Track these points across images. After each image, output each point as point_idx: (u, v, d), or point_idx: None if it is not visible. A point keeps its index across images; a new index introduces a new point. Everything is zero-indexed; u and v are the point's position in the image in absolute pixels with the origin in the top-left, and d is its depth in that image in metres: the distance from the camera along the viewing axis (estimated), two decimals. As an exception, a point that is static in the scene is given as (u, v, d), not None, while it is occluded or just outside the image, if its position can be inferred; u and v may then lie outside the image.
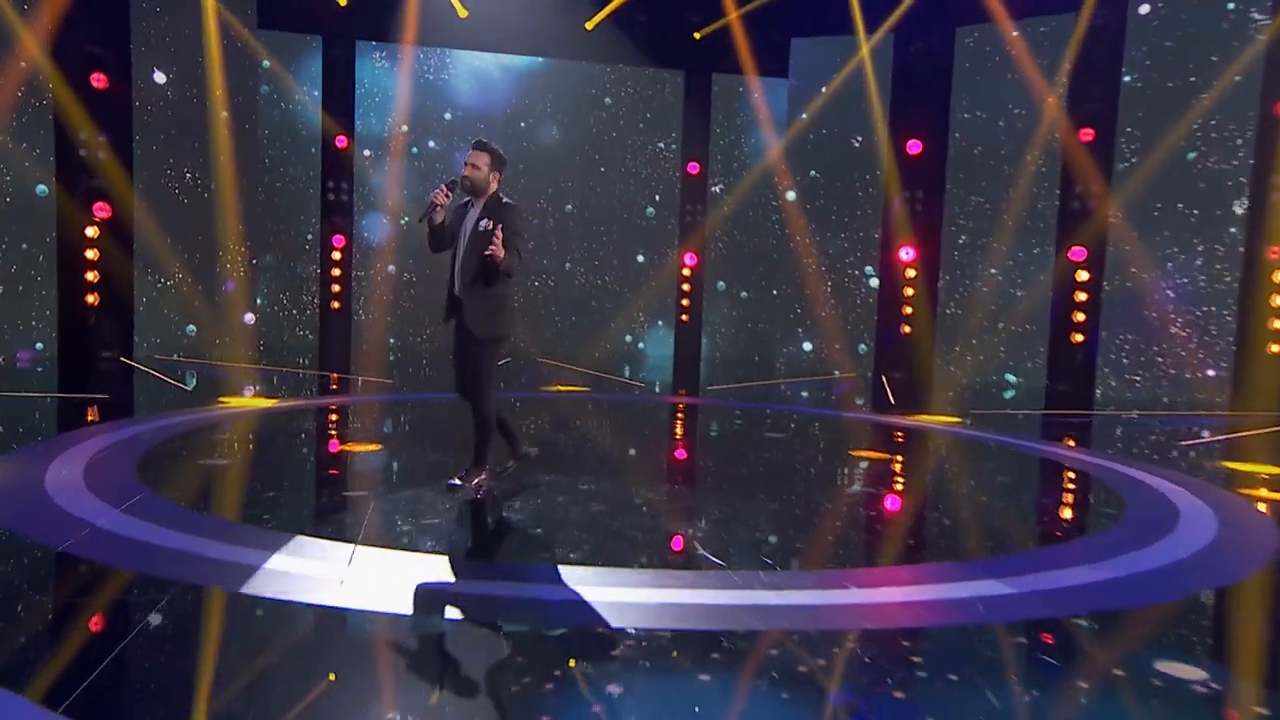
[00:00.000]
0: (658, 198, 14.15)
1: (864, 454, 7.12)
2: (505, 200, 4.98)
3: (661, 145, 14.13)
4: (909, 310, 12.17)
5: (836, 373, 12.69)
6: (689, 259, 13.57)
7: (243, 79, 12.23)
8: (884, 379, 11.76)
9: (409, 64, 13.47)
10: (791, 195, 13.51)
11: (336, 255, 12.39)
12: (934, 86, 11.87)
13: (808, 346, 13.48)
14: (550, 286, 14.06)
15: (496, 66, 13.61)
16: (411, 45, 12.79)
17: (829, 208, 13.34)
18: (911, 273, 12.12)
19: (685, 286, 13.63)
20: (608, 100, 13.92)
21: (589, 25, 12.93)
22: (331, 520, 4.64)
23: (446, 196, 4.86)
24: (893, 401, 10.18)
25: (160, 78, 11.39)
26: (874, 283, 12.79)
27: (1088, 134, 10.69)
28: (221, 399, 8.40)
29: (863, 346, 12.96)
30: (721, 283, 14.17)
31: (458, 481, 5.03)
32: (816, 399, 10.60)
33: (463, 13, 12.58)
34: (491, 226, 4.81)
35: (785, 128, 13.47)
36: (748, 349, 14.38)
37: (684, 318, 13.68)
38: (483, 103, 13.61)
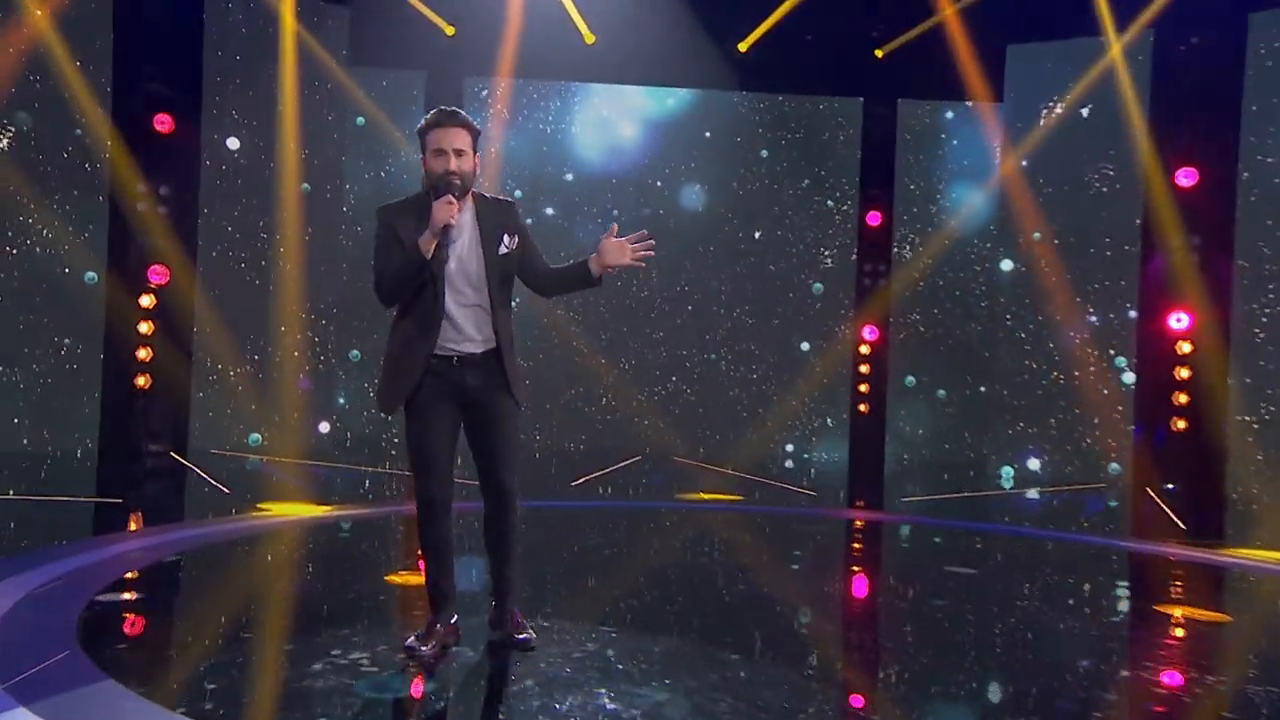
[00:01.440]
0: (828, 258, 11.09)
1: (1180, 611, 4.54)
2: (499, 197, 3.57)
3: (831, 203, 11.01)
4: (1183, 398, 8.80)
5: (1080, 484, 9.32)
6: (868, 333, 10.63)
7: (326, 134, 10.22)
8: (1153, 493, 8.38)
9: (513, 106, 11.06)
10: (1007, 264, 10.28)
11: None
12: (1215, 95, 8.71)
13: (1035, 464, 9.90)
14: (694, 378, 11.09)
15: (627, 115, 11.03)
16: (527, 79, 10.64)
17: (1052, 275, 9.92)
18: (1186, 346, 8.79)
19: (863, 368, 10.66)
20: (764, 153, 10.97)
21: (742, 47, 10.47)
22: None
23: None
24: (1181, 526, 6.99)
25: (234, 143, 9.51)
26: (1128, 377, 9.39)
27: None
28: (262, 505, 6.52)
29: (1115, 466, 9.44)
30: (911, 378, 10.96)
31: (509, 632, 3.46)
32: (1057, 517, 7.75)
33: (589, 38, 10.37)
34: (513, 244, 3.44)
35: (997, 167, 10.36)
36: (949, 453, 11.04)
37: (861, 408, 10.67)
38: (611, 159, 10.92)
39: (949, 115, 10.80)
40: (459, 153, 3.29)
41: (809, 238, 10.90)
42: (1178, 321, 8.82)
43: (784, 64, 10.55)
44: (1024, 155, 9.79)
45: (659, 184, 10.95)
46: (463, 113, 3.38)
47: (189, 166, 9.30)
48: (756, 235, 10.92)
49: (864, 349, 10.64)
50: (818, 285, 10.81)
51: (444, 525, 3.34)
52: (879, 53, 10.47)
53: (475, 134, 3.39)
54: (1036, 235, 9.73)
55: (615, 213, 10.32)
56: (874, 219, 10.68)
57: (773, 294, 10.87)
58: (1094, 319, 9.53)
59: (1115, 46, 9.14)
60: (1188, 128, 8.77)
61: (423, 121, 3.34)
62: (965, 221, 10.66)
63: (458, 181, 3.26)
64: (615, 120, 10.91)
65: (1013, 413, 9.96)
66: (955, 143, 10.83)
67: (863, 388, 10.64)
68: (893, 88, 10.60)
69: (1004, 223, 10.14)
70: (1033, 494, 8.80)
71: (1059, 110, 9.56)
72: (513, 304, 3.52)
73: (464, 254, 3.31)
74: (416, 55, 10.38)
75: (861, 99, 10.73)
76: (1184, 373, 8.81)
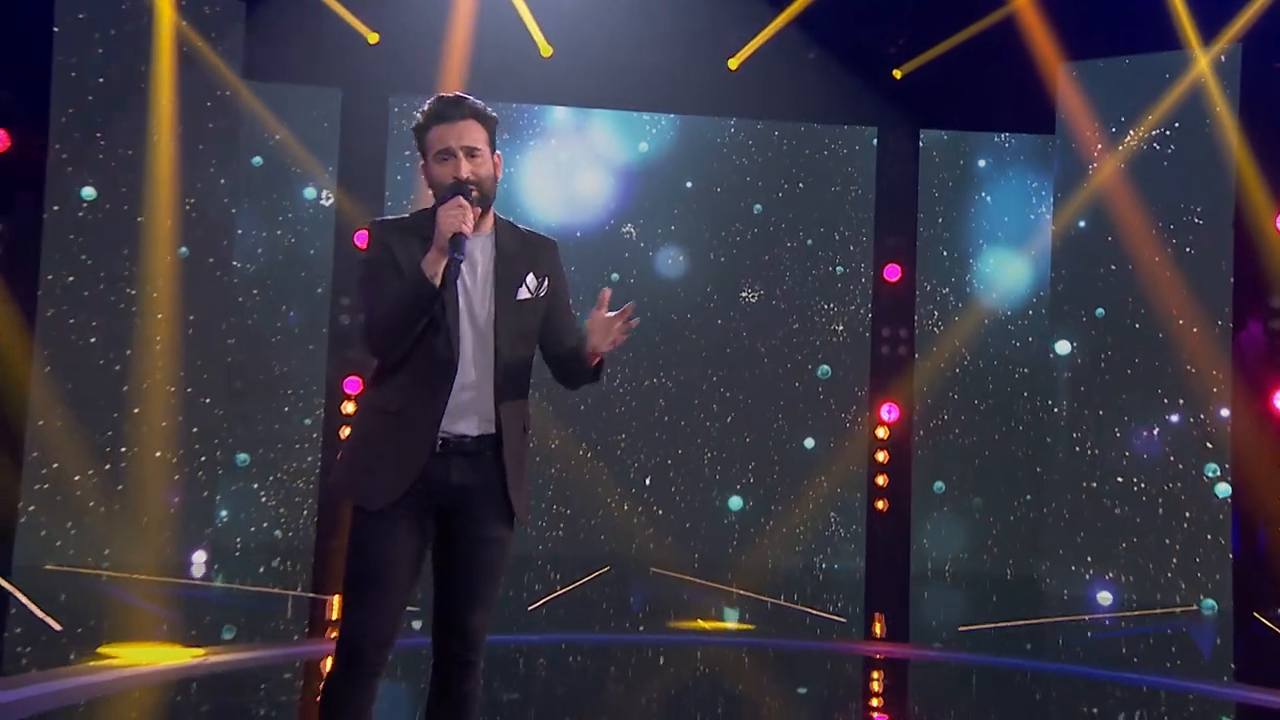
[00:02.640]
0: (837, 332, 9.10)
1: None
2: (534, 232, 2.74)
3: (841, 269, 8.90)
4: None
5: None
6: (887, 412, 8.68)
7: (212, 178, 7.91)
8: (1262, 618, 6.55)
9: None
10: (1064, 347, 8.02)
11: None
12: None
13: (1106, 597, 7.53)
14: (675, 478, 8.84)
15: (591, 160, 8.83)
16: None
17: (1122, 362, 7.67)
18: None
19: (881, 455, 8.70)
20: (757, 207, 8.82)
21: (732, 63, 8.59)
22: None
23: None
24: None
25: (90, 192, 7.34)
26: (1221, 489, 7.40)
27: None
28: (104, 649, 4.98)
29: (1212, 604, 7.43)
30: (940, 483, 8.92)
31: None
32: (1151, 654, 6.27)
33: (546, 50, 8.43)
34: (539, 289, 2.63)
35: (1049, 222, 8.36)
36: (989, 571, 8.80)
37: (879, 504, 8.70)
38: (571, 215, 8.62)
39: (981, 163, 8.89)
40: (472, 153, 2.56)
41: (813, 309, 8.84)
42: (1287, 407, 6.99)
43: (782, 85, 8.68)
44: (1082, 207, 7.82)
45: (630, 245, 8.79)
46: (472, 99, 2.63)
47: (31, 203, 7.26)
48: (748, 303, 8.84)
49: (882, 432, 8.67)
50: (825, 369, 8.76)
51: (365, 695, 2.48)
52: (898, 73, 8.64)
53: (491, 126, 2.64)
54: (1100, 311, 7.73)
55: (577, 278, 8.25)
56: (892, 273, 8.77)
57: (769, 379, 8.76)
58: (1175, 418, 7.53)
59: (1203, 60, 7.33)
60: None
61: (419, 116, 2.61)
62: (1007, 292, 8.70)
63: (474, 192, 2.52)
64: (576, 166, 8.73)
65: (1070, 529, 7.84)
66: (988, 198, 8.86)
67: (880, 480, 8.67)
68: (915, 115, 8.74)
69: (1058, 293, 8.04)
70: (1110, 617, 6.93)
71: (1129, 142, 7.62)
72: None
73: (471, 295, 2.56)
74: (329, 69, 8.35)
75: (876, 129, 8.84)
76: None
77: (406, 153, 8.37)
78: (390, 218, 2.67)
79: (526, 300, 2.58)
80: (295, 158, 8.28)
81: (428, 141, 2.57)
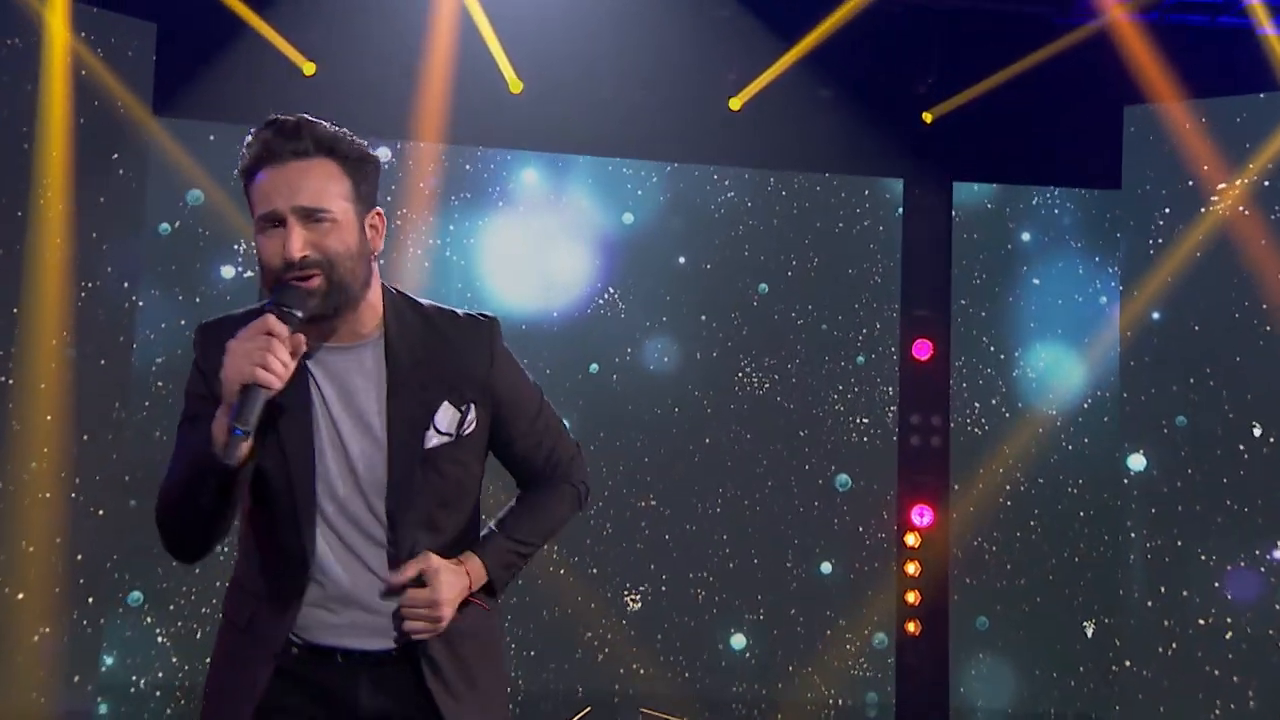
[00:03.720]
0: (858, 428, 7.65)
1: None
2: (456, 313, 1.93)
3: (862, 359, 7.41)
4: None
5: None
6: (919, 515, 7.28)
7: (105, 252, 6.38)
8: None
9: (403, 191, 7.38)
10: (1138, 462, 6.60)
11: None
12: None
13: None
14: (665, 606, 7.29)
15: (568, 232, 7.36)
16: (425, 142, 7.30)
17: (1205, 483, 6.21)
18: None
19: (911, 567, 7.29)
20: (762, 287, 7.37)
21: (734, 103, 7.32)
22: None
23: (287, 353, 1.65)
24: None
25: None
26: None
27: None
28: None
29: None
30: (984, 619, 7.43)
31: None
32: None
33: (516, 86, 7.15)
34: (465, 424, 1.83)
35: (1119, 297, 6.84)
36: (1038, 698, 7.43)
37: (910, 627, 7.25)
38: (543, 299, 7.24)
39: (1025, 237, 7.58)
40: (313, 215, 1.69)
41: (828, 407, 7.43)
42: None
43: (790, 130, 7.42)
44: (1159, 294, 6.43)
45: (612, 332, 7.33)
46: (323, 124, 1.75)
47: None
48: (751, 401, 7.40)
49: (912, 539, 7.29)
50: (843, 478, 7.31)
51: None
52: (928, 116, 7.38)
53: (358, 166, 1.76)
54: (1181, 420, 6.35)
55: (548, 372, 6.80)
56: (922, 350, 7.42)
57: (775, 490, 7.31)
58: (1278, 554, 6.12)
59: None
60: None
61: (243, 154, 1.74)
62: (1063, 393, 7.32)
63: (310, 285, 1.68)
64: (551, 239, 7.27)
65: (1150, 689, 6.39)
66: (1037, 281, 7.52)
67: (911, 597, 7.26)
68: (946, 164, 7.46)
69: (1130, 397, 6.65)
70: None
71: (1217, 208, 6.29)
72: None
73: (344, 446, 1.74)
74: (258, 104, 7.00)
75: (902, 181, 7.55)
76: None
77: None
78: (230, 315, 1.85)
79: (444, 447, 1.78)
80: (215, 216, 6.88)
81: (251, 196, 1.75)
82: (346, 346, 1.78)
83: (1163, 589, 6.29)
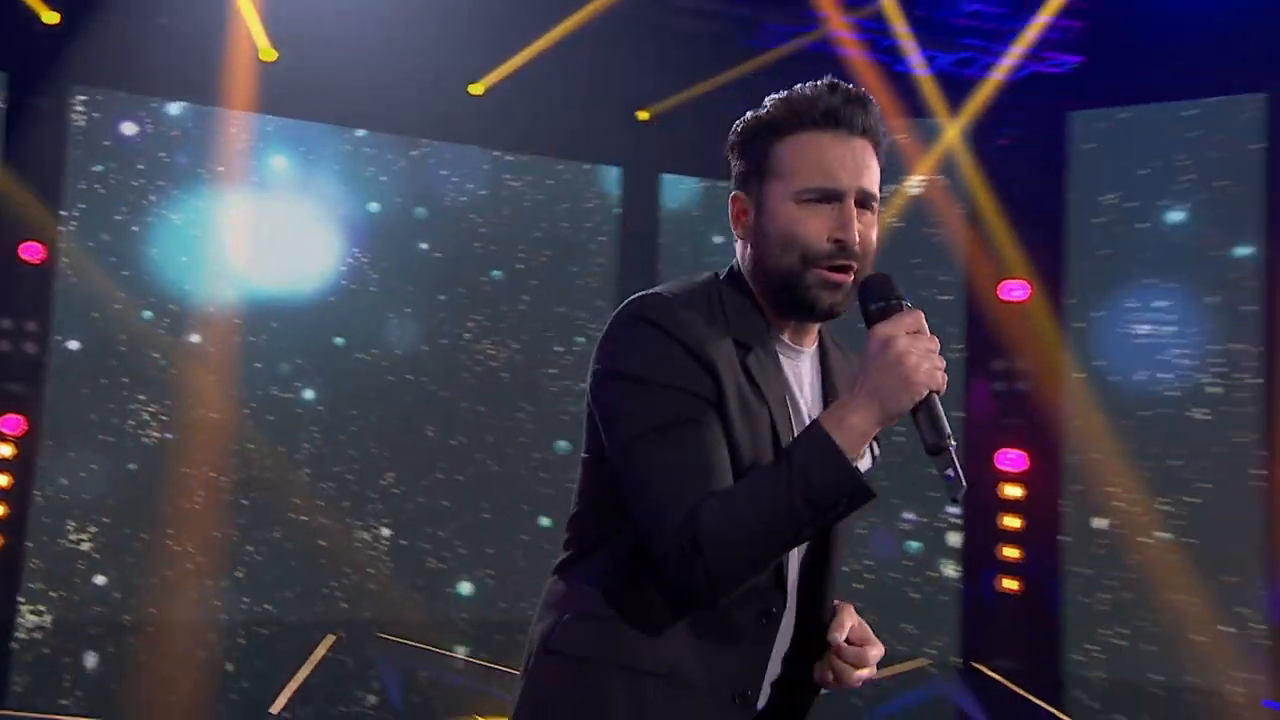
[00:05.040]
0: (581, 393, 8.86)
1: None
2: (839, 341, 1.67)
3: (584, 339, 8.30)
4: None
5: None
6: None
7: None
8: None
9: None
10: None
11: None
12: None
13: None
14: (409, 560, 8.37)
15: (312, 212, 7.85)
16: (173, 99, 7.56)
17: None
18: None
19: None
20: (496, 273, 8.21)
21: (475, 89, 8.14)
22: None
23: None
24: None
25: None
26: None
27: None
28: None
29: None
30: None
31: None
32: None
33: (269, 54, 7.56)
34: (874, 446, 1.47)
35: None
36: None
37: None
38: (287, 276, 7.77)
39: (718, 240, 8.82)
40: (865, 204, 1.50)
41: (550, 381, 8.32)
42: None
43: (525, 118, 8.30)
44: None
45: (357, 310, 7.91)
46: (876, 104, 1.52)
47: None
48: (485, 375, 8.23)
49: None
50: (562, 444, 8.11)
51: None
52: (643, 114, 8.56)
53: (882, 155, 1.54)
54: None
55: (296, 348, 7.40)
56: (634, 316, 8.60)
57: (504, 455, 8.18)
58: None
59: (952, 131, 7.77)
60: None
61: (769, 105, 1.54)
62: None
63: (844, 278, 1.49)
64: (297, 223, 7.74)
65: None
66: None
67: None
68: (657, 159, 8.68)
69: None
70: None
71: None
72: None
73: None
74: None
75: (620, 169, 8.69)
76: None
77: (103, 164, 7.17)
78: (680, 295, 1.48)
79: (868, 473, 1.46)
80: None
81: (784, 162, 1.49)
82: (799, 350, 1.56)
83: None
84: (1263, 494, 6.51)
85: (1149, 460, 6.85)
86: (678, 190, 8.86)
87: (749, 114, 1.56)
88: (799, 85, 1.53)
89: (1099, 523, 7.13)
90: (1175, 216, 7.07)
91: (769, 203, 1.49)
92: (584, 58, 8.16)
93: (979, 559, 7.48)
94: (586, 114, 8.36)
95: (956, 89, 7.76)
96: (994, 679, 7.02)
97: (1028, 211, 7.41)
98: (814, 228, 1.46)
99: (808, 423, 1.44)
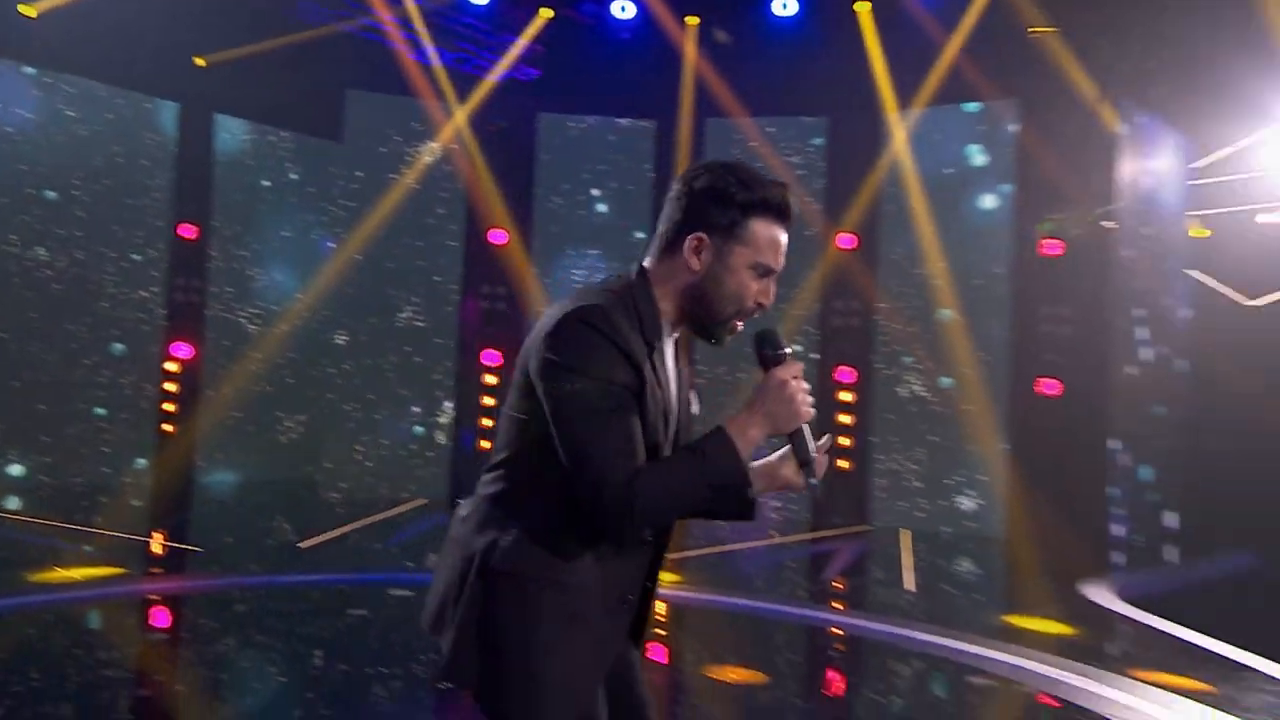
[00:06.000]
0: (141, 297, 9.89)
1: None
2: None
3: (141, 256, 9.46)
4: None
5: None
6: (179, 351, 9.96)
7: None
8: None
9: None
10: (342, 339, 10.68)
11: None
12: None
13: None
14: None
15: None
16: None
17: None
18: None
19: (171, 386, 9.95)
20: (50, 193, 9.00)
21: (27, 10, 8.70)
22: None
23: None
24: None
25: None
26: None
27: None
28: None
29: None
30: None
31: None
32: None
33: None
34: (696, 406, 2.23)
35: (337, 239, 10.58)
36: None
37: (168, 427, 9.94)
38: None
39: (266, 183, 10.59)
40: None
41: (108, 290, 9.44)
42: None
43: (91, 47, 9.11)
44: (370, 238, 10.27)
45: None
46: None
47: None
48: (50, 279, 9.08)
49: (173, 366, 9.93)
50: (118, 346, 9.49)
51: None
52: (200, 60, 9.91)
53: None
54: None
55: None
56: (187, 232, 10.06)
57: (62, 355, 9.18)
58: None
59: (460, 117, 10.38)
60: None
61: (738, 185, 1.87)
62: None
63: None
64: None
65: None
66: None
67: (169, 406, 9.91)
68: (211, 100, 10.09)
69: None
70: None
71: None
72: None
73: (671, 409, 1.96)
74: None
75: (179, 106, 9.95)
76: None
77: None
78: (603, 305, 1.84)
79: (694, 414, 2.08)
80: None
81: (753, 235, 1.87)
82: (673, 340, 1.99)
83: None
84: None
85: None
86: (235, 139, 10.36)
87: (721, 177, 1.85)
88: (761, 173, 1.89)
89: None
90: (601, 207, 10.63)
91: (732, 260, 1.85)
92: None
93: (465, 426, 10.51)
94: (146, 52, 9.43)
95: (466, 81, 10.43)
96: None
97: (509, 181, 10.44)
98: (752, 292, 1.87)
99: (675, 398, 1.94)
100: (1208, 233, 9.10)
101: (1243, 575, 7.41)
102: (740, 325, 1.93)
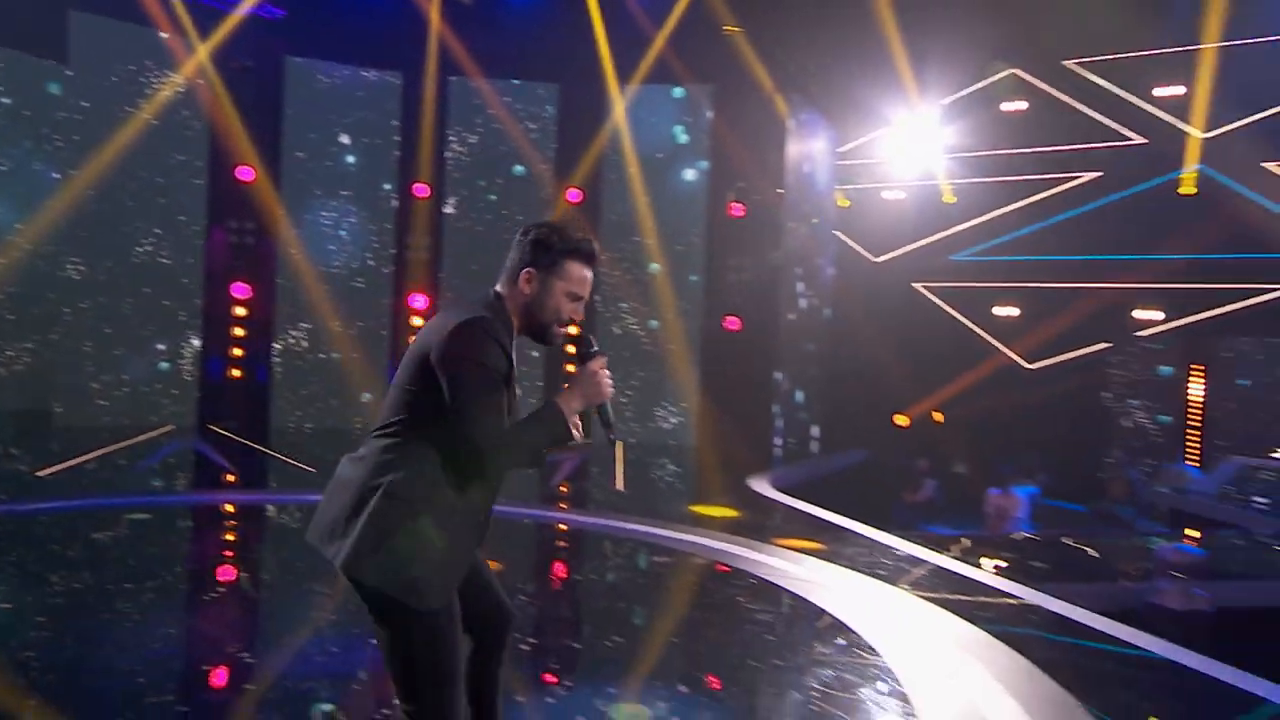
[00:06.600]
0: None
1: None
2: None
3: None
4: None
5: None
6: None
7: None
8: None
9: None
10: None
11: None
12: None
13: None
14: None
15: None
16: None
17: None
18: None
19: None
20: None
21: None
22: None
23: None
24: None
25: None
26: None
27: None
28: None
29: None
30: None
31: None
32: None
33: None
34: None
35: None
36: None
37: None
38: None
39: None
40: (586, 300, 2.71)
41: None
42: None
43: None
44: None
45: None
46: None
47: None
48: None
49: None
50: None
51: None
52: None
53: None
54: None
55: None
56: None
57: None
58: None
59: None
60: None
61: (559, 237, 2.59)
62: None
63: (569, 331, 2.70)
64: None
65: None
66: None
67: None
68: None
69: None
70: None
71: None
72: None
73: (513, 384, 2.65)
74: None
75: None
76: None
77: None
78: (491, 315, 2.52)
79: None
80: None
81: (567, 272, 2.58)
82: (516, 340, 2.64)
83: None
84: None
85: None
86: None
87: (547, 233, 2.58)
88: (574, 230, 2.64)
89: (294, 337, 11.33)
90: (350, 158, 11.39)
91: (553, 288, 2.58)
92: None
93: (212, 356, 11.03)
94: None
95: (207, 15, 10.61)
96: (222, 433, 10.53)
97: (256, 122, 10.89)
98: (567, 310, 2.60)
99: (517, 383, 2.62)
100: (848, 204, 11.57)
101: (856, 467, 9.93)
102: (565, 332, 2.63)
